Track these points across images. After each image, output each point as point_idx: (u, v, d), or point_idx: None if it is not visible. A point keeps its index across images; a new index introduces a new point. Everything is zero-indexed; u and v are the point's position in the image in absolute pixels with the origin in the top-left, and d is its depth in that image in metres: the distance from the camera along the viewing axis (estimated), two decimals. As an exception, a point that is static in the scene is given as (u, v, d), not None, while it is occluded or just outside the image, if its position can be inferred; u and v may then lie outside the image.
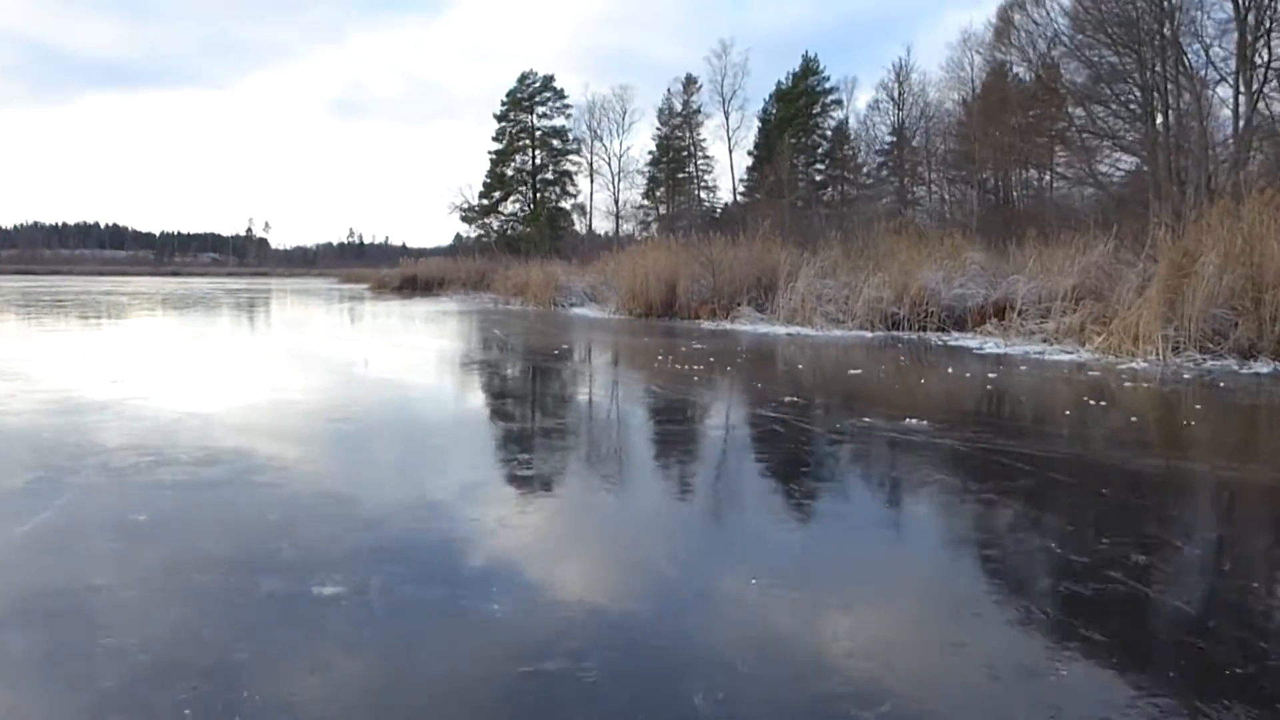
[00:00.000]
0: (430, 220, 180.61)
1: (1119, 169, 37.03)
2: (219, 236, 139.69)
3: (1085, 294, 15.26)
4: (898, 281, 18.01)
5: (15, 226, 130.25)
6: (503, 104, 54.63)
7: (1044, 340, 14.76)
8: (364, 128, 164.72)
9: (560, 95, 53.83)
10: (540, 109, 54.17)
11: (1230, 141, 30.60)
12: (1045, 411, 8.39)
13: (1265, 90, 30.61)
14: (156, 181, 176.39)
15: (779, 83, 54.93)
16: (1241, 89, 29.54)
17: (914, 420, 6.85)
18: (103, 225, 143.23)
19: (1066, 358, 12.43)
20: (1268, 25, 28.63)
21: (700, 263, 20.95)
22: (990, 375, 10.54)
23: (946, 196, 50.52)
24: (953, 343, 15.12)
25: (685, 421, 7.63)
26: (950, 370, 11.28)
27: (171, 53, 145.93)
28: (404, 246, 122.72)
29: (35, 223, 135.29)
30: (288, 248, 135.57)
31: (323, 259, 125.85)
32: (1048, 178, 41.77)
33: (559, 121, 54.36)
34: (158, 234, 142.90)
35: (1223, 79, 31.69)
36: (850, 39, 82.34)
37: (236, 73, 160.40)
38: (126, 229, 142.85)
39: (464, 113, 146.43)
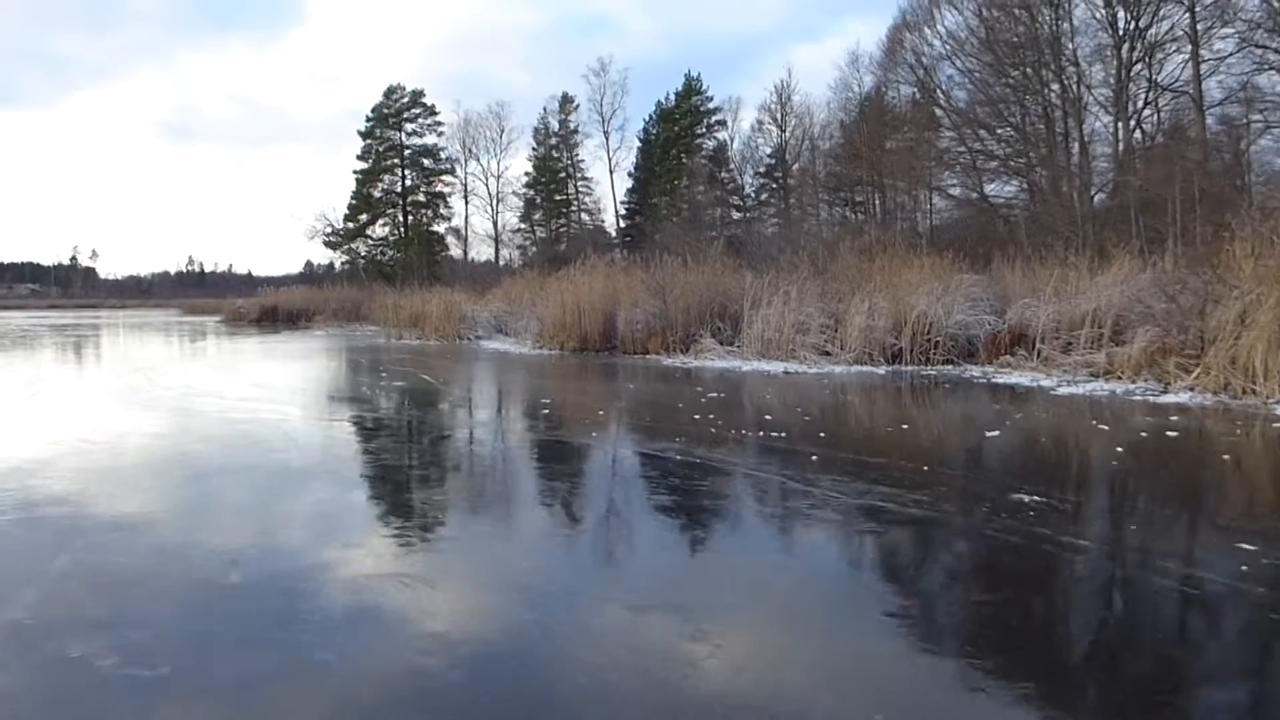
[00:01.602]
0: (277, 247, 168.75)
1: (1004, 193, 36.51)
2: (38, 266, 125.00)
3: (1130, 320, 12.99)
4: (890, 308, 15.34)
5: None
6: (368, 120, 49.85)
7: (1093, 374, 12.35)
8: (198, 152, 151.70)
9: (431, 111, 49.56)
10: (409, 125, 49.67)
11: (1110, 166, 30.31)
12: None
13: (1140, 116, 30.53)
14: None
15: (659, 102, 52.64)
16: (1120, 114, 29.24)
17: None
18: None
19: (1169, 399, 9.90)
20: (1141, 53, 28.39)
21: (649, 289, 17.68)
22: (1168, 433, 7.75)
23: (825, 217, 49.42)
24: (996, 379, 12.47)
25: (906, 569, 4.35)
26: (1097, 424, 8.50)
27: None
28: (249, 274, 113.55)
29: None
30: (119, 277, 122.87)
31: (159, 289, 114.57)
32: (930, 199, 41.07)
33: (430, 139, 50.06)
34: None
35: (1101, 105, 31.31)
36: (729, 59, 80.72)
37: (56, 91, 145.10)
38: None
39: (309, 137, 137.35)
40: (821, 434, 7.85)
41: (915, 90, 40.11)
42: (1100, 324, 13.48)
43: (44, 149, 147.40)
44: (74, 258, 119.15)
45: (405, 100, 49.38)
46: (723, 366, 15.23)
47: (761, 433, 7.86)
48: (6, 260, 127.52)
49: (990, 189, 35.87)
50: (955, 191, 38.38)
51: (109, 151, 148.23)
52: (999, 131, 35.69)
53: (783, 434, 7.80)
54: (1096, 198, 29.02)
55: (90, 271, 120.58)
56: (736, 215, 53.18)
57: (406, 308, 31.91)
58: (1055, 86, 32.31)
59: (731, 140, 50.29)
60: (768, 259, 19.25)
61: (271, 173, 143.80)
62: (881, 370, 14.10)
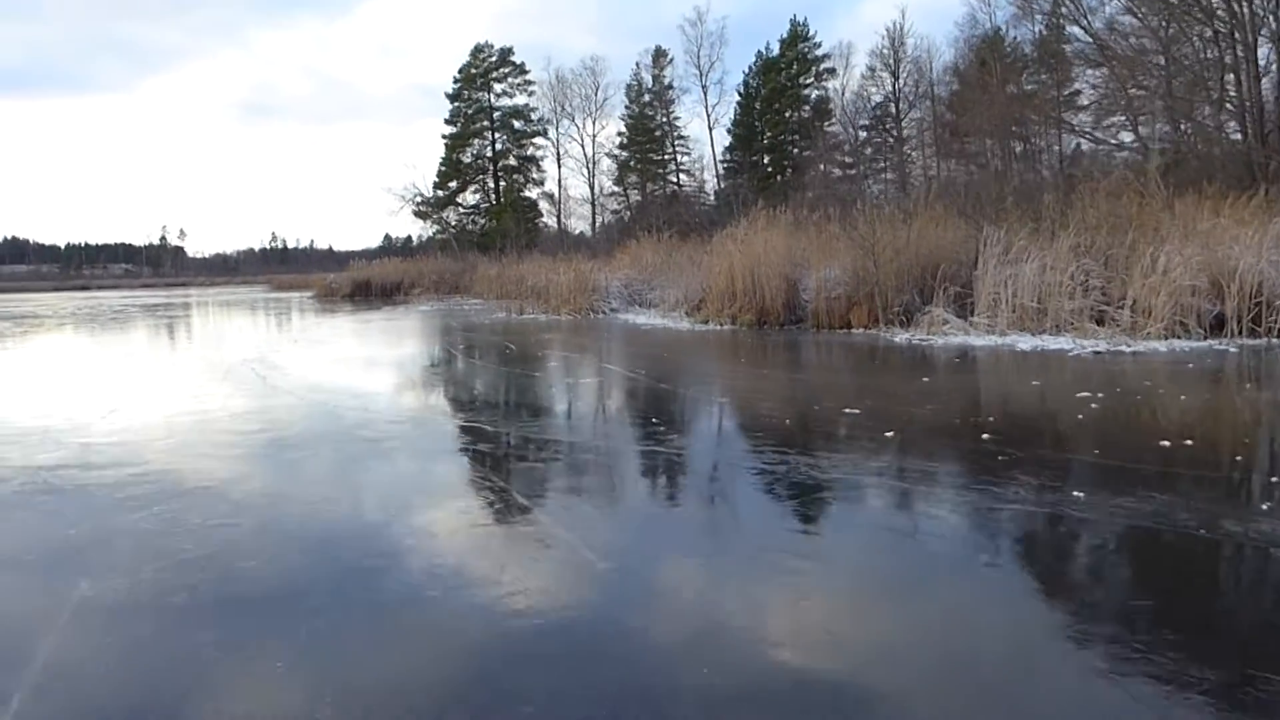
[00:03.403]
0: (357, 221, 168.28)
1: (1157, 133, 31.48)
2: (131, 246, 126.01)
3: None
4: (1205, 263, 11.38)
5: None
6: (455, 81, 46.50)
7: None
8: (276, 130, 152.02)
9: (521, 70, 45.98)
10: (499, 86, 46.22)
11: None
12: None
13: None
14: (58, 191, 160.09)
15: (759, 52, 48.21)
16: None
17: None
18: (1, 238, 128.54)
19: None
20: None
21: (859, 246, 13.91)
22: None
23: (937, 172, 44.83)
24: None
25: None
26: None
27: (51, 53, 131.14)
28: (330, 249, 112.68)
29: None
30: (206, 255, 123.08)
31: (245, 266, 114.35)
32: (1061, 144, 36.41)
33: (520, 100, 46.50)
34: (63, 246, 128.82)
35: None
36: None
37: (133, 75, 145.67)
38: (28, 241, 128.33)
39: (380, 112, 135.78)
40: None
41: (1041, 27, 35.39)
42: None
43: (127, 132, 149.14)
44: (163, 237, 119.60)
45: (493, 59, 45.91)
46: (980, 344, 11.48)
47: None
48: (101, 242, 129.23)
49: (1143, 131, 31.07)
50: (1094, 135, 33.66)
51: (191, 132, 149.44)
52: (1155, 64, 30.75)
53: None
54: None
55: (179, 251, 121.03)
56: (838, 173, 48.74)
57: (513, 278, 28.82)
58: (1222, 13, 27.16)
59: (843, 90, 45.63)
60: (983, 207, 15.26)
61: (346, 148, 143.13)
62: (1218, 346, 10.22)
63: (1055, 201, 14.31)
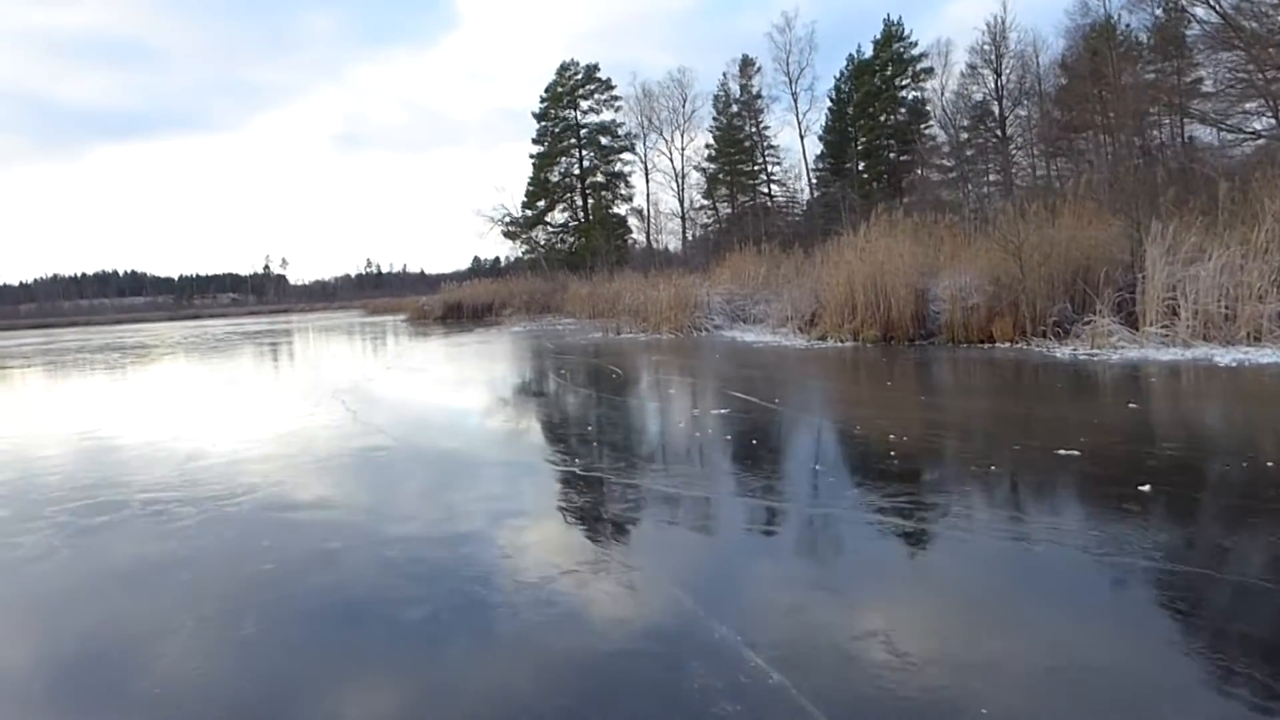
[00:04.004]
0: (446, 245, 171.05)
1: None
2: (237, 276, 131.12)
3: None
4: None
5: (35, 280, 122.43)
6: (541, 100, 46.04)
7: None
8: (369, 159, 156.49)
9: (607, 86, 45.20)
10: (585, 103, 45.51)
11: None
12: None
13: None
14: (172, 226, 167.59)
15: (850, 56, 46.38)
16: None
17: None
18: (121, 273, 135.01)
19: None
20: None
21: (1006, 249, 12.27)
22: None
23: (1047, 171, 42.08)
24: None
25: None
26: None
27: (172, 99, 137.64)
28: (422, 273, 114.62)
29: (54, 275, 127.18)
30: (306, 283, 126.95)
31: (342, 291, 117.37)
32: (1183, 137, 33.53)
33: (607, 115, 45.69)
34: (176, 278, 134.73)
35: None
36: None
37: (242, 114, 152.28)
38: (145, 275, 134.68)
39: (466, 138, 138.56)
40: None
41: (1159, 10, 32.71)
42: None
43: (235, 168, 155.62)
44: (266, 266, 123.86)
45: (579, 76, 45.29)
46: (1165, 359, 9.75)
47: None
48: (210, 272, 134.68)
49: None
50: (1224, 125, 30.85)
51: (292, 164, 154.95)
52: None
53: None
54: None
55: (281, 279, 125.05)
56: (938, 177, 46.35)
57: (605, 296, 27.81)
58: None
59: (942, 89, 43.36)
60: (1142, 201, 13.35)
61: (435, 173, 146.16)
62: None
63: (1232, 191, 12.40)
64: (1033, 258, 12.22)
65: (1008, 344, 12.21)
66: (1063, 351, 10.92)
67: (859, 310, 14.26)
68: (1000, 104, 43.77)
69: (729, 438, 6.65)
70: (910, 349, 12.90)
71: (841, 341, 14.18)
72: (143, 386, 14.88)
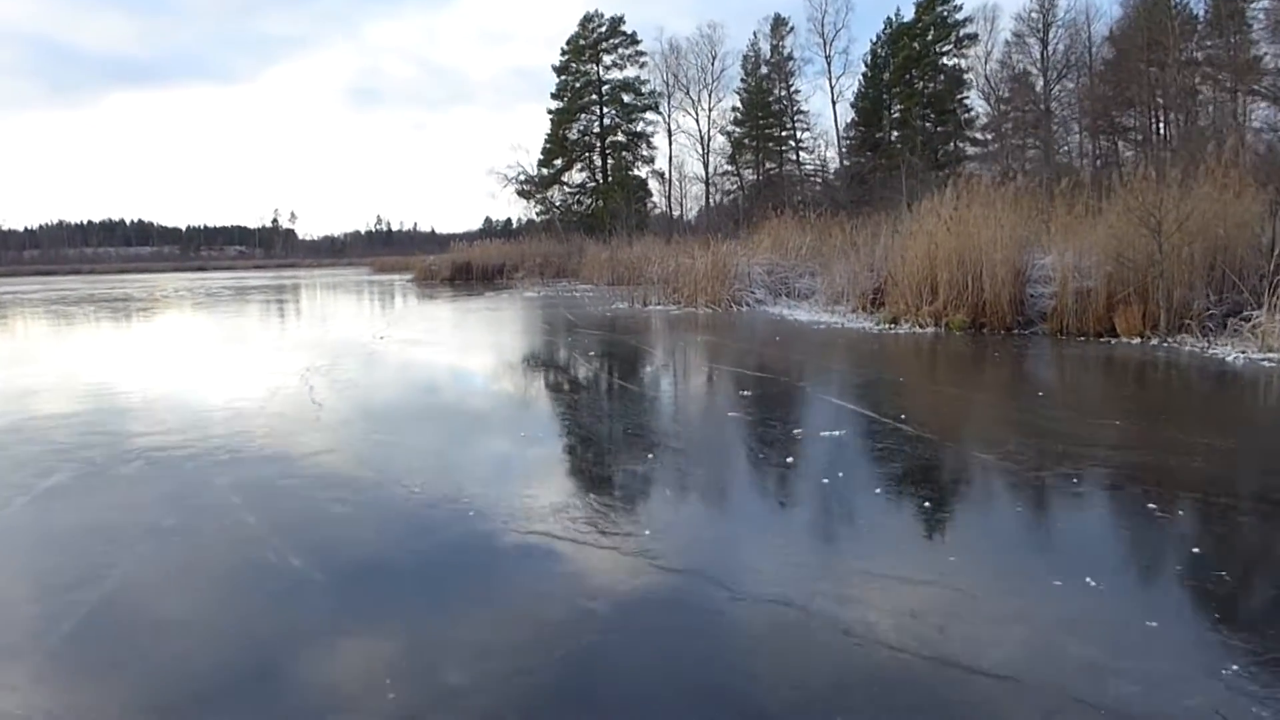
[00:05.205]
0: (458, 204, 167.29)
1: None
2: (245, 229, 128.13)
3: None
4: None
5: (40, 226, 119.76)
6: (562, 53, 43.09)
7: None
8: (382, 116, 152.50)
9: (632, 40, 42.23)
10: (608, 58, 42.56)
11: None
12: None
13: None
14: (182, 177, 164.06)
15: (889, 19, 43.35)
16: None
17: None
18: (128, 222, 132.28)
19: None
20: None
21: (1145, 224, 9.82)
22: None
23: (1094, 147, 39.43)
24: None
25: None
26: None
27: (188, 48, 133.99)
28: (433, 232, 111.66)
29: (60, 221, 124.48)
30: (315, 238, 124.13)
31: (351, 248, 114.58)
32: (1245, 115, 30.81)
33: (631, 71, 42.73)
34: (184, 229, 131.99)
35: None
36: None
37: (256, 66, 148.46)
38: (152, 224, 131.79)
39: (480, 97, 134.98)
40: None
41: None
42: None
43: (248, 120, 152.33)
44: (275, 220, 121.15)
45: (603, 29, 42.31)
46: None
47: None
48: (218, 224, 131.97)
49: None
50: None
51: (304, 119, 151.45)
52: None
53: None
54: None
55: (290, 233, 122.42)
56: (971, 150, 43.62)
57: (627, 262, 25.39)
58: None
59: (985, 58, 40.34)
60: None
61: (448, 133, 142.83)
62: None
63: None
64: (1173, 234, 9.79)
65: (1136, 340, 9.82)
66: (1232, 354, 8.52)
67: (941, 290, 11.86)
68: (1045, 76, 40.79)
69: (890, 499, 4.32)
70: (1014, 340, 10.50)
71: (921, 327, 11.78)
72: (81, 347, 12.59)
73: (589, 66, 42.53)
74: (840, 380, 8.05)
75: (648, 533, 3.73)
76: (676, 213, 44.26)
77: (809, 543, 3.67)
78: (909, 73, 41.90)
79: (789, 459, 4.95)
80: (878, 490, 4.34)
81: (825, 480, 4.50)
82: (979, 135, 43.09)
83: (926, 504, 4.12)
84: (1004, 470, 4.63)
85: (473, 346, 12.13)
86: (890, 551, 3.50)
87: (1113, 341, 9.94)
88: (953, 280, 11.75)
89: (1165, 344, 9.48)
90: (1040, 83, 40.40)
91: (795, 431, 5.61)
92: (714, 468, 4.96)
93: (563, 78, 43.01)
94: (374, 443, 5.64)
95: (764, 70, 44.58)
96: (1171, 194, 9.97)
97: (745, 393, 7.19)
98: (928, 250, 12.17)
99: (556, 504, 4.15)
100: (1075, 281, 10.67)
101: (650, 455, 5.11)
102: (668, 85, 42.13)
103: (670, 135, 42.99)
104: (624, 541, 3.63)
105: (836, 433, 5.47)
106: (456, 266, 35.78)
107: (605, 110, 42.73)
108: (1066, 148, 39.98)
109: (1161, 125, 34.00)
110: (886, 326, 12.24)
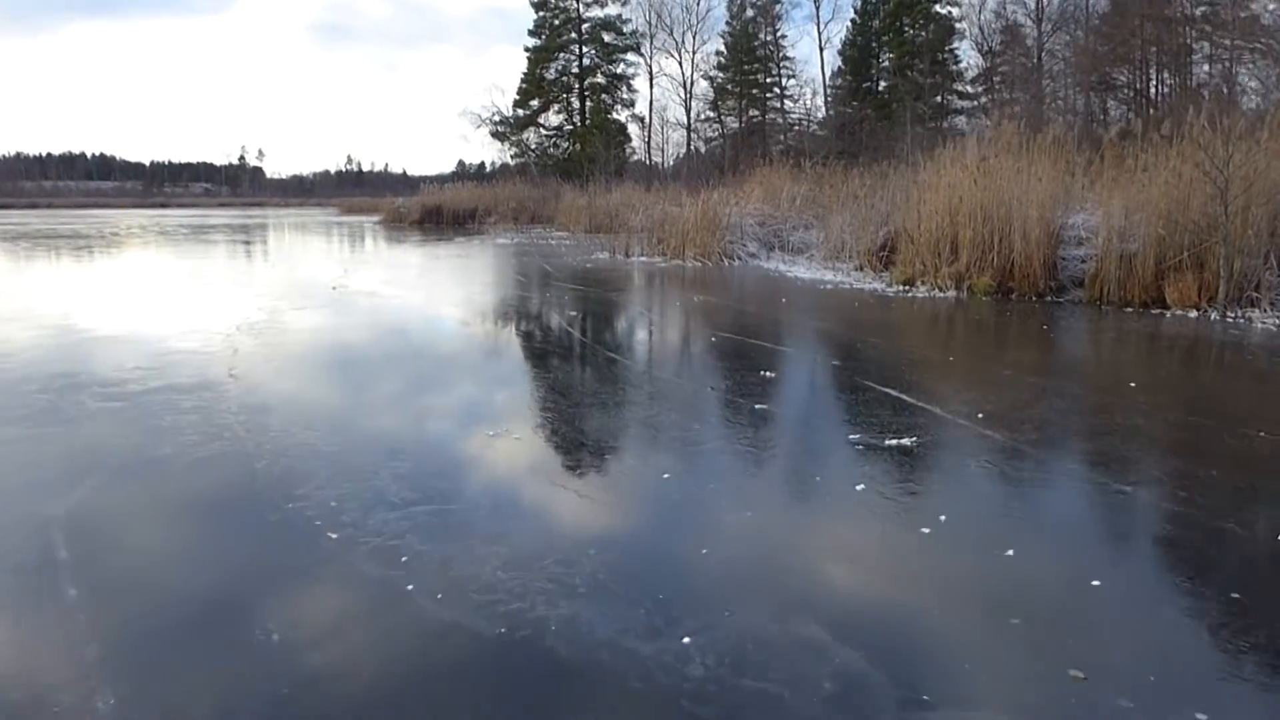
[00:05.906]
0: (430, 146, 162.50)
1: None
2: (211, 166, 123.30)
3: None
4: None
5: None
6: (543, -15, 40.61)
7: None
8: (352, 52, 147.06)
9: (615, -25, 39.89)
10: (589, -8, 40.19)
11: None
12: None
13: None
14: (146, 111, 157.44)
15: (882, -42, 41.24)
16: None
17: None
18: (89, 155, 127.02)
19: None
20: None
21: (1212, 179, 8.52)
22: None
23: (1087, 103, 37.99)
24: None
25: None
26: None
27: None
28: (404, 174, 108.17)
29: (17, 154, 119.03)
30: (283, 177, 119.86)
31: (320, 188, 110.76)
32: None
33: (613, 9, 40.42)
34: (147, 164, 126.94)
35: None
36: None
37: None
38: (114, 159, 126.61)
39: (456, 36, 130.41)
40: None
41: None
42: None
43: (215, 53, 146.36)
44: (242, 158, 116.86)
45: (585, -38, 39.90)
46: None
47: None
48: (183, 160, 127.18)
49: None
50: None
51: (273, 53, 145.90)
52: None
53: None
54: None
55: (258, 171, 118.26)
56: (959, 103, 42.12)
57: (605, 209, 23.86)
58: None
59: (980, 5, 38.60)
60: None
61: (421, 72, 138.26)
62: None
63: None
64: (1240, 195, 8.51)
65: (1192, 312, 8.60)
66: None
67: (963, 250, 10.54)
68: (1039, 26, 39.15)
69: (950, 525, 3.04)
70: (1052, 310, 9.23)
71: (941, 290, 10.48)
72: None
73: (569, 2, 40.17)
74: (879, 357, 6.72)
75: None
76: (657, 159, 42.54)
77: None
78: (900, 19, 40.08)
79: (832, 472, 3.63)
80: (944, 509, 3.04)
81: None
82: (968, 88, 41.57)
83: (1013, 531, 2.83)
84: (1181, 517, 3.35)
85: (437, 303, 10.66)
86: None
87: (1166, 314, 8.71)
88: (977, 239, 10.43)
89: (1228, 318, 8.27)
90: (1034, 35, 38.80)
91: (854, 441, 4.28)
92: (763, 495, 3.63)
93: (541, 14, 40.62)
94: (278, 448, 4.24)
95: (750, 13, 42.53)
96: (1241, 148, 8.66)
97: (767, 373, 5.84)
98: (949, 204, 10.82)
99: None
100: (1114, 247, 9.39)
101: (677, 487, 3.77)
102: (650, 25, 40.01)
103: (652, 79, 40.98)
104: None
105: (905, 440, 4.15)
106: (426, 210, 33.87)
107: (585, 50, 40.51)
108: (1060, 102, 38.58)
109: (1153, 84, 32.77)
110: (902, 289, 10.92)
